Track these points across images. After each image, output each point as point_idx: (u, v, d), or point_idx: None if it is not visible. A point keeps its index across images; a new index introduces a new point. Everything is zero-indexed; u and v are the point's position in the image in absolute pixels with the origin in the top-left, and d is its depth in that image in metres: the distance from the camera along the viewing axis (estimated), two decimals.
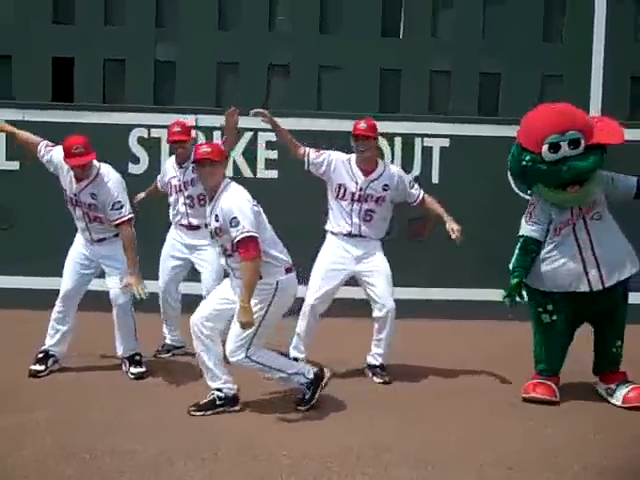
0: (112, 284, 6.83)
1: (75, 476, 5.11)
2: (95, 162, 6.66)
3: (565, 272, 6.41)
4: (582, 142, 6.22)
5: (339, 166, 6.88)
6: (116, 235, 6.78)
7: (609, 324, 6.61)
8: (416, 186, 6.98)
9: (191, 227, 7.23)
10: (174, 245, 7.34)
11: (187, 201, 7.20)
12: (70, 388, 6.57)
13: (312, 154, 6.94)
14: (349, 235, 6.91)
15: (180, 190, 7.23)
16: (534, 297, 6.62)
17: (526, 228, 6.52)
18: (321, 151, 7.00)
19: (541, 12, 10.34)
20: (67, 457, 5.31)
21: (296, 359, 6.79)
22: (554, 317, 6.55)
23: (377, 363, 7.03)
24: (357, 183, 6.85)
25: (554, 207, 6.43)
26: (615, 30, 10.08)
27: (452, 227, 6.76)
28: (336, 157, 6.94)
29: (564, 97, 8.47)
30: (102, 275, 6.98)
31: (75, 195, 6.71)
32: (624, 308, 6.60)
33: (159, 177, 7.57)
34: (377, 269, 6.91)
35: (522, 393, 6.59)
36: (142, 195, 7.65)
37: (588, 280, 6.38)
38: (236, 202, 5.93)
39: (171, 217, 7.37)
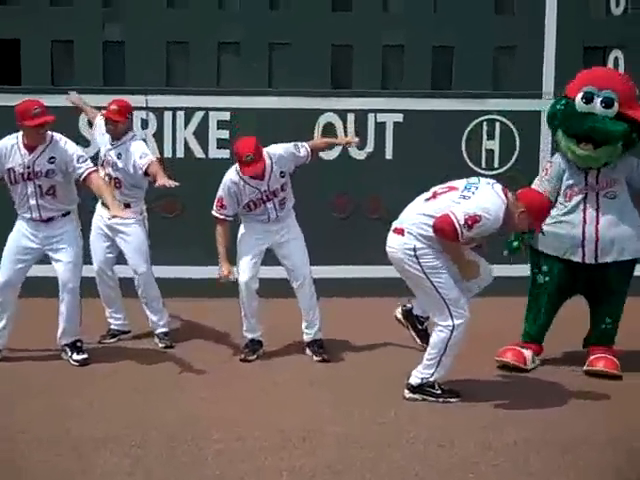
0: (60, 267, 6.71)
1: (5, 460, 5.02)
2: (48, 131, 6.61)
3: (564, 238, 6.48)
4: (615, 105, 6.27)
5: None
6: (65, 215, 6.70)
7: (603, 301, 6.63)
8: None
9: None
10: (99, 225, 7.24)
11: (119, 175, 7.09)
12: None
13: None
14: None
15: (111, 165, 7.12)
16: (533, 257, 6.69)
17: (536, 183, 6.62)
18: None
19: None
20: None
21: None
22: (547, 278, 6.61)
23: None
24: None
25: (570, 171, 6.49)
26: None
27: None
28: None
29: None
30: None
31: (29, 167, 6.56)
32: (621, 289, 6.62)
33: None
34: None
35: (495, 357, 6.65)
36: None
37: (583, 252, 6.43)
38: None
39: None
